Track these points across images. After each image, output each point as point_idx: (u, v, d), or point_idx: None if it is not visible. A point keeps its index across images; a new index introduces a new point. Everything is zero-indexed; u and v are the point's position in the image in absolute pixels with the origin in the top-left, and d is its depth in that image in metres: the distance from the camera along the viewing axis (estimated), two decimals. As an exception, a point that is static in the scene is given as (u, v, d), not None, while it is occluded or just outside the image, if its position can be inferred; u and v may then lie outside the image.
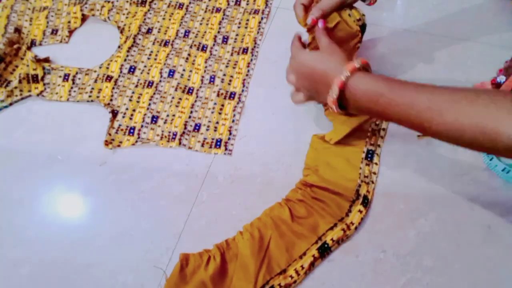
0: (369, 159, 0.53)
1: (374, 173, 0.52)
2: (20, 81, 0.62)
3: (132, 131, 0.59)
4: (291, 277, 0.46)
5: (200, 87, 0.62)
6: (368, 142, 0.54)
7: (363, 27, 0.53)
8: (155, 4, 0.71)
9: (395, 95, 0.40)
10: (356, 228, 0.49)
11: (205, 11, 0.69)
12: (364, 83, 0.41)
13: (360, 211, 0.49)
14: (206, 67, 0.64)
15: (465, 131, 0.36)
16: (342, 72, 0.42)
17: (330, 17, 0.52)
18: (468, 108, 0.36)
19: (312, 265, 0.47)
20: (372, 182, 0.52)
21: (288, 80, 0.50)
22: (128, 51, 0.66)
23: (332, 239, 0.48)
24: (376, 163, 0.53)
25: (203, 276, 0.46)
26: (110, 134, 0.58)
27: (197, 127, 0.59)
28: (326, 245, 0.48)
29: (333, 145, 0.54)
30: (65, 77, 0.64)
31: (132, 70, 0.64)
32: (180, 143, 0.57)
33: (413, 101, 0.39)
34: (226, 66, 0.64)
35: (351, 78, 0.42)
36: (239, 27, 0.67)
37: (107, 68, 0.64)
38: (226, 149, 0.57)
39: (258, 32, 0.66)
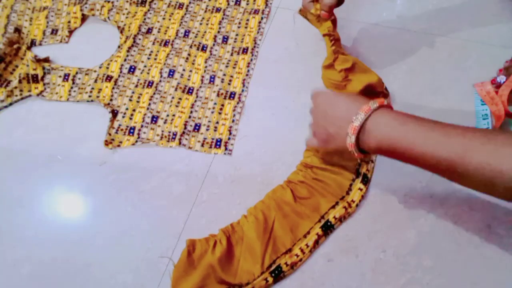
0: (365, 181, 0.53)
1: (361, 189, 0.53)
2: (20, 81, 0.62)
3: (132, 131, 0.59)
4: (297, 255, 0.48)
5: (200, 87, 0.62)
6: None
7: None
8: (155, 4, 0.71)
9: (426, 135, 0.37)
10: (357, 205, 0.50)
11: (205, 11, 0.69)
12: (390, 119, 0.39)
13: (361, 189, 0.51)
14: (206, 67, 0.64)
15: (500, 172, 0.33)
16: (370, 102, 0.40)
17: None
18: (502, 149, 0.34)
19: (316, 243, 0.49)
20: (372, 161, 0.53)
21: (307, 143, 0.50)
22: (128, 51, 0.66)
23: (334, 217, 0.49)
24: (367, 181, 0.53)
25: (210, 260, 0.46)
26: (110, 134, 0.58)
27: (197, 127, 0.59)
28: (329, 223, 0.49)
29: None
30: (65, 77, 0.64)
31: (132, 70, 0.64)
32: (180, 143, 0.57)
33: (446, 146, 0.36)
34: (226, 66, 0.64)
35: (378, 111, 0.40)
36: (239, 27, 0.67)
37: (107, 68, 0.64)
38: (226, 149, 0.57)
39: (258, 32, 0.66)
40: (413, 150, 0.38)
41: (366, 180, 0.51)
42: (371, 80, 0.54)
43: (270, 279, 0.47)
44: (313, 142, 0.48)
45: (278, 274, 0.47)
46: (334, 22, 0.54)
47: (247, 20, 0.68)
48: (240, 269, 0.47)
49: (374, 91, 0.55)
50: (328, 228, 0.49)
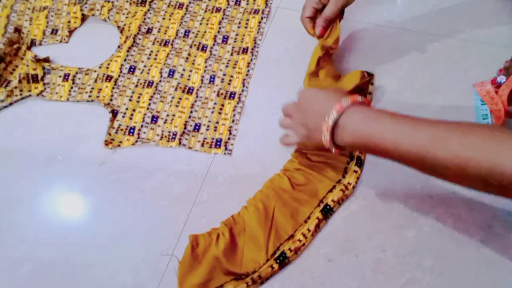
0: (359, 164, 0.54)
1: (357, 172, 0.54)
2: (20, 81, 0.62)
3: (132, 131, 0.59)
4: (299, 240, 0.49)
5: (200, 87, 0.62)
6: None
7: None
8: (155, 4, 0.71)
9: (397, 127, 0.38)
10: (353, 187, 0.51)
11: (205, 11, 0.69)
12: (362, 116, 0.40)
13: (356, 171, 0.52)
14: (206, 67, 0.64)
15: (468, 162, 0.34)
16: (342, 99, 0.42)
17: (332, 32, 0.56)
18: (472, 139, 0.35)
19: (317, 227, 0.49)
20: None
21: (281, 124, 0.51)
22: (128, 51, 0.66)
23: (333, 200, 0.50)
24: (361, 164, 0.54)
25: (215, 252, 0.47)
26: (110, 134, 0.58)
27: (197, 127, 0.59)
28: (328, 207, 0.50)
29: None
30: (65, 77, 0.64)
31: (132, 70, 0.64)
32: (180, 143, 0.57)
33: (416, 133, 0.37)
34: (226, 66, 0.63)
35: (351, 108, 0.41)
36: (239, 27, 0.67)
37: (107, 68, 0.64)
38: (226, 149, 0.57)
39: (258, 32, 0.66)
40: (384, 144, 0.39)
41: (360, 163, 0.53)
42: (355, 82, 0.54)
43: (276, 266, 0.47)
44: (291, 139, 0.49)
45: (283, 260, 0.47)
46: (336, 40, 0.56)
47: (247, 20, 0.68)
48: (245, 258, 0.48)
49: (363, 89, 0.57)
50: (327, 212, 0.50)
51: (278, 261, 0.47)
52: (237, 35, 0.66)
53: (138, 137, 0.58)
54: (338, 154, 0.53)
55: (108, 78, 0.63)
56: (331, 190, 0.51)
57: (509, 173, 0.33)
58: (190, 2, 0.70)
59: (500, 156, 0.33)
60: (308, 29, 0.57)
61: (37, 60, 0.64)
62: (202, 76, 0.63)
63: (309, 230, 0.49)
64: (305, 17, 0.57)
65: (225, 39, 0.66)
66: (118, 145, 0.58)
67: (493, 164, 0.33)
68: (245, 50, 0.65)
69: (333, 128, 0.41)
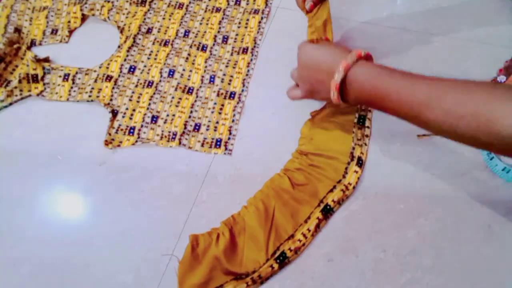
0: (360, 123, 0.55)
1: (367, 136, 0.55)
2: (20, 81, 0.62)
3: (132, 131, 0.59)
4: (300, 240, 0.49)
5: (200, 87, 0.62)
6: (359, 109, 0.56)
7: None
8: (155, 4, 0.71)
9: (397, 83, 0.40)
10: (354, 187, 0.51)
11: (205, 11, 0.69)
12: (367, 71, 0.42)
13: (356, 171, 0.52)
14: (206, 67, 0.64)
15: (460, 120, 0.35)
16: (348, 56, 0.43)
17: (319, 13, 0.57)
18: (466, 96, 0.35)
19: (317, 227, 0.50)
20: (365, 144, 0.54)
21: (292, 75, 0.51)
22: (128, 51, 0.66)
23: (333, 200, 0.50)
24: (368, 127, 0.56)
25: (215, 252, 0.47)
26: (110, 134, 0.58)
27: (197, 127, 0.59)
28: (328, 207, 0.50)
29: (326, 114, 0.57)
30: (65, 77, 0.64)
31: (132, 70, 0.64)
32: (180, 143, 0.57)
33: (414, 89, 0.39)
34: (226, 66, 0.64)
35: (356, 63, 0.42)
36: (239, 27, 0.67)
37: (107, 68, 0.64)
38: (226, 148, 0.57)
39: (258, 32, 0.66)
40: (387, 99, 0.40)
41: (360, 163, 0.53)
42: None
43: (276, 266, 0.47)
44: (297, 93, 0.50)
45: (283, 260, 0.47)
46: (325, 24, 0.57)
47: (247, 20, 0.68)
48: (245, 258, 0.48)
49: None
50: (328, 212, 0.50)
51: (278, 261, 0.47)
52: (237, 35, 0.66)
53: (138, 137, 0.58)
54: (346, 148, 0.54)
55: (108, 78, 0.63)
56: (331, 190, 0.51)
57: (503, 129, 0.32)
58: (190, 2, 0.70)
59: (494, 112, 0.33)
60: (299, 3, 0.58)
61: (37, 60, 0.64)
62: (202, 76, 0.63)
63: (309, 230, 0.49)
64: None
65: (225, 39, 0.66)
66: (118, 145, 0.58)
67: (486, 120, 0.33)
68: (245, 50, 0.65)
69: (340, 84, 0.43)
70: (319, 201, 0.51)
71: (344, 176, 0.52)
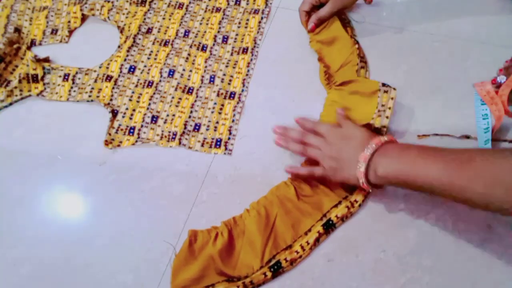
0: (385, 90, 0.53)
1: (389, 108, 0.52)
2: (20, 81, 0.62)
3: (132, 131, 0.59)
4: (297, 252, 0.48)
5: (200, 87, 0.62)
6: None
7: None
8: (155, 3, 0.71)
9: (418, 176, 0.42)
10: (360, 205, 0.50)
11: (205, 11, 0.69)
12: (386, 162, 0.45)
13: (364, 190, 0.50)
14: (206, 67, 0.64)
15: (493, 195, 0.38)
16: (366, 149, 0.46)
17: (325, 30, 0.61)
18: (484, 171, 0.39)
19: (317, 241, 0.49)
20: (386, 118, 0.52)
21: (311, 152, 0.51)
22: (128, 51, 0.66)
23: (336, 216, 0.50)
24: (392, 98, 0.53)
25: (211, 251, 0.47)
26: (110, 134, 0.58)
27: (197, 127, 0.59)
28: (330, 222, 0.49)
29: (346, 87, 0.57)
30: (65, 77, 0.64)
31: (132, 70, 0.64)
32: (180, 143, 0.57)
33: (436, 177, 0.41)
34: (226, 66, 0.63)
35: (376, 154, 0.45)
36: (239, 27, 0.67)
37: (107, 68, 0.64)
38: (226, 148, 0.57)
39: (258, 32, 0.66)
40: (408, 180, 0.43)
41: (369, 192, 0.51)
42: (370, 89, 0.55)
43: (269, 274, 0.47)
44: (319, 171, 0.50)
45: (277, 269, 0.47)
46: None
47: (247, 20, 0.68)
48: (240, 262, 0.47)
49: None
50: (329, 227, 0.49)
51: (272, 269, 0.47)
52: (237, 35, 0.66)
53: (138, 137, 0.58)
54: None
55: (108, 78, 0.63)
56: (336, 206, 0.50)
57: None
58: (190, 2, 0.70)
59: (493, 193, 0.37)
60: (302, 21, 0.64)
61: (37, 60, 0.64)
62: (202, 76, 0.63)
63: (308, 243, 0.48)
64: (302, 10, 0.63)
65: (225, 39, 0.66)
66: (118, 145, 0.58)
67: (487, 201, 0.38)
68: (245, 50, 0.65)
69: (366, 170, 0.45)
70: (322, 215, 0.50)
71: (351, 193, 0.51)
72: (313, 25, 0.61)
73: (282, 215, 0.50)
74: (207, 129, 0.58)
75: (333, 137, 0.50)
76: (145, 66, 0.64)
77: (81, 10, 0.70)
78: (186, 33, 0.67)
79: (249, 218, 0.50)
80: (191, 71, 0.64)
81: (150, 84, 0.63)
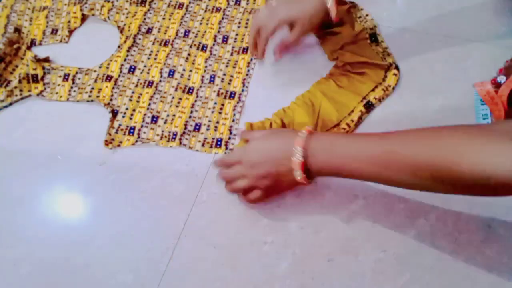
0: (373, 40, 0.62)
1: (386, 48, 0.61)
2: (20, 81, 0.62)
3: (132, 131, 0.59)
4: (344, 128, 0.55)
5: (200, 86, 0.62)
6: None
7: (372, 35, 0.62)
8: (155, 3, 0.71)
9: (352, 147, 0.42)
10: (393, 88, 0.57)
11: (205, 11, 0.69)
12: (321, 144, 0.43)
13: (395, 74, 0.58)
14: (206, 66, 0.64)
15: (419, 168, 0.36)
16: (299, 135, 0.44)
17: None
18: (423, 142, 0.37)
19: (360, 118, 0.56)
20: (389, 55, 0.60)
21: (234, 186, 0.49)
22: (128, 51, 0.66)
23: (374, 97, 0.57)
24: (382, 41, 0.62)
25: None
26: (110, 134, 0.58)
27: (197, 127, 0.59)
28: (370, 103, 0.56)
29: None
30: (65, 77, 0.64)
31: (132, 70, 0.64)
32: (180, 143, 0.57)
33: (367, 150, 0.41)
34: (226, 66, 0.64)
35: (310, 138, 0.44)
36: (239, 27, 0.67)
37: (107, 68, 0.64)
38: (226, 148, 0.57)
39: (258, 32, 0.66)
40: (347, 166, 0.42)
41: (397, 68, 0.59)
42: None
43: None
44: (257, 194, 0.48)
45: None
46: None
47: (247, 19, 0.68)
48: None
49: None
50: (369, 106, 0.56)
51: None
52: (237, 35, 0.66)
53: (138, 137, 0.58)
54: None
55: (108, 78, 0.63)
56: (373, 90, 0.57)
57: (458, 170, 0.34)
58: (190, 2, 0.70)
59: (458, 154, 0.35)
60: (252, 50, 0.61)
61: (37, 60, 0.64)
62: (202, 76, 0.63)
63: (352, 121, 0.55)
64: (252, 37, 0.59)
65: (225, 39, 0.66)
66: (118, 145, 0.58)
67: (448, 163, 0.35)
68: (245, 50, 0.65)
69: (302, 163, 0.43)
70: (362, 98, 0.56)
71: (384, 80, 0.57)
72: (279, 56, 0.61)
73: (326, 102, 0.56)
74: (207, 129, 0.58)
75: (249, 155, 0.47)
76: (145, 66, 0.64)
77: (81, 10, 0.70)
78: (186, 33, 0.67)
79: (297, 107, 0.56)
80: (191, 71, 0.64)
81: (150, 84, 0.63)
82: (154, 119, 0.60)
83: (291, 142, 0.43)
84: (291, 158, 0.43)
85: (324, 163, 0.43)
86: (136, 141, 0.58)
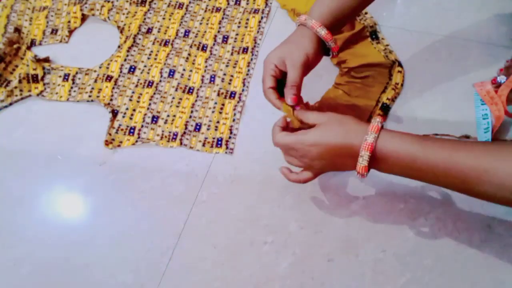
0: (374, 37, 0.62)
1: (387, 45, 0.61)
2: (20, 81, 0.62)
3: (132, 131, 0.59)
4: None
5: (201, 86, 0.62)
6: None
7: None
8: (155, 3, 0.71)
9: (431, 156, 0.38)
10: (401, 85, 0.58)
11: (205, 11, 0.69)
12: (395, 145, 0.40)
13: (400, 71, 0.58)
14: (206, 66, 0.64)
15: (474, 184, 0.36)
16: (367, 135, 0.40)
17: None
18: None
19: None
20: (391, 52, 0.60)
21: (290, 162, 0.47)
22: (128, 51, 0.66)
23: (387, 98, 0.56)
24: (383, 38, 0.62)
25: None
26: (110, 134, 0.58)
27: (198, 127, 0.59)
28: (385, 104, 0.56)
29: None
30: (65, 77, 0.64)
31: (132, 70, 0.64)
32: (181, 143, 0.57)
33: (452, 161, 0.37)
34: (226, 66, 0.63)
35: (379, 139, 0.40)
36: (239, 27, 0.67)
37: (107, 68, 0.64)
38: (227, 147, 0.57)
39: (258, 32, 0.66)
40: (434, 164, 0.39)
41: (400, 64, 0.59)
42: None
43: None
44: (306, 176, 0.46)
45: None
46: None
47: (247, 19, 0.68)
48: None
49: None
50: (385, 108, 0.56)
51: None
52: (237, 34, 0.66)
53: (138, 137, 0.58)
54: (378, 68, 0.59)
55: (108, 78, 0.63)
56: (383, 91, 0.57)
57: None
58: (190, 2, 0.70)
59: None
60: (273, 100, 0.48)
61: (37, 60, 0.64)
62: (203, 76, 0.63)
63: None
64: (268, 88, 0.48)
65: (225, 39, 0.66)
66: (118, 145, 0.58)
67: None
68: (245, 50, 0.65)
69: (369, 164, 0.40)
70: (376, 101, 0.56)
71: (390, 79, 0.57)
72: (293, 97, 0.46)
73: (342, 107, 0.56)
74: (208, 129, 0.58)
75: (316, 150, 0.43)
76: (145, 66, 0.64)
77: (81, 10, 0.70)
78: (186, 33, 0.67)
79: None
80: (191, 71, 0.64)
81: (150, 84, 0.63)
82: (155, 119, 0.60)
83: (363, 127, 0.41)
84: (361, 141, 0.40)
85: (397, 158, 0.40)
86: (136, 141, 0.58)
